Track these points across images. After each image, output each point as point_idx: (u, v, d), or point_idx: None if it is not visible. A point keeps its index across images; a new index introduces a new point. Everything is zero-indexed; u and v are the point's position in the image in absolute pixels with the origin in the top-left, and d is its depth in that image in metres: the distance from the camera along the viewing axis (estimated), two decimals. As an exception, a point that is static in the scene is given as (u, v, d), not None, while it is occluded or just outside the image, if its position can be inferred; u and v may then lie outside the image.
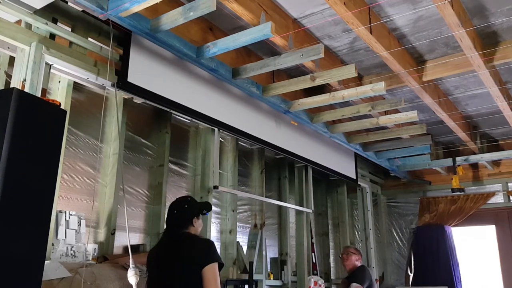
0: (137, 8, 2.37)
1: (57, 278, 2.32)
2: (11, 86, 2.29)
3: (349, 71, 3.17)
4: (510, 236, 5.85)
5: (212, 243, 2.44)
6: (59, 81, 2.69)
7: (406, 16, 3.11)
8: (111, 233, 2.85)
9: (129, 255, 2.44)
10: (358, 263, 4.27)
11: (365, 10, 2.85)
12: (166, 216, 2.59)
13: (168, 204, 3.39)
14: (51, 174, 2.03)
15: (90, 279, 2.44)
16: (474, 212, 5.92)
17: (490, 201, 5.95)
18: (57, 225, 2.57)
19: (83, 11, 2.58)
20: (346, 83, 3.71)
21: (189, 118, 3.48)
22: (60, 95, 2.67)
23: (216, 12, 2.49)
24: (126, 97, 3.04)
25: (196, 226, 2.51)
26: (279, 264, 4.59)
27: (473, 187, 6.08)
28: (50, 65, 2.48)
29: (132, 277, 2.37)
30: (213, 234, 3.78)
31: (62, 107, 2.22)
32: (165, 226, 2.60)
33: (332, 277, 5.54)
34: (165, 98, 3.02)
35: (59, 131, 2.11)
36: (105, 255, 2.79)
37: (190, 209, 2.52)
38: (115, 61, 2.75)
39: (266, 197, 4.40)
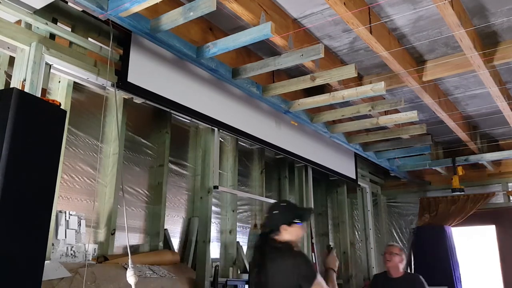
0: (137, 8, 2.37)
1: (57, 278, 2.32)
2: (11, 86, 2.29)
3: (349, 71, 3.17)
4: (510, 236, 5.84)
5: (307, 258, 2.35)
6: (59, 81, 2.69)
7: (406, 16, 3.11)
8: (111, 233, 2.85)
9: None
10: (402, 266, 3.85)
11: (365, 10, 2.85)
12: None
13: (168, 204, 3.41)
14: (51, 174, 2.03)
15: (90, 279, 2.44)
16: (474, 212, 5.91)
17: (490, 201, 5.94)
18: (57, 225, 2.57)
19: (83, 11, 2.58)
20: (346, 83, 3.71)
21: (189, 118, 3.47)
22: (60, 95, 2.67)
23: (216, 12, 2.49)
24: (126, 97, 3.04)
25: (285, 232, 2.38)
26: (279, 264, 4.58)
27: (473, 187, 6.07)
28: (50, 65, 2.48)
29: (131, 277, 2.37)
30: (213, 234, 3.77)
31: (62, 107, 2.23)
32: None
33: (332, 277, 5.53)
34: (165, 98, 3.01)
35: (59, 131, 2.11)
36: (105, 255, 2.79)
37: (279, 215, 2.42)
38: (115, 61, 2.75)
39: (266, 197, 4.40)
